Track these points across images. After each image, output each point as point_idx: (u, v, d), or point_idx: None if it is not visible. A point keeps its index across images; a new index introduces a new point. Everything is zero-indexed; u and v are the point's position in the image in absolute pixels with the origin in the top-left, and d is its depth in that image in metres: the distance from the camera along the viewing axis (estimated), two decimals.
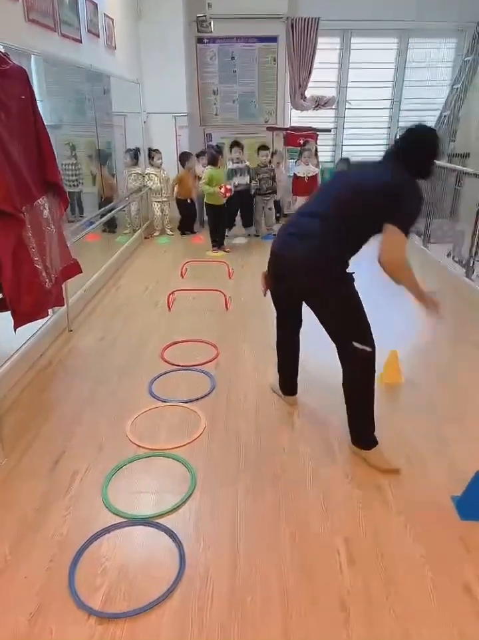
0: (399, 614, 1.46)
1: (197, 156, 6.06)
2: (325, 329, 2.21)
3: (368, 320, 2.13)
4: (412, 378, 2.76)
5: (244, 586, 1.55)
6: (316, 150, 6.63)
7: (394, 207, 1.94)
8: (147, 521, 1.78)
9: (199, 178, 5.84)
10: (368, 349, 2.09)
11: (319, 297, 2.14)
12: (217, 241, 5.39)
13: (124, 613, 1.46)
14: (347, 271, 2.13)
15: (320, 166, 6.53)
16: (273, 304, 2.48)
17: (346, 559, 1.64)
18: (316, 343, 3.16)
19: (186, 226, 6.17)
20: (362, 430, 2.13)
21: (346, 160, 6.14)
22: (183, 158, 5.96)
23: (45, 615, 1.47)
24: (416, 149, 2.04)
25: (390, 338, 3.24)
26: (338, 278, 2.10)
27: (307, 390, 2.64)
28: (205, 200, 5.35)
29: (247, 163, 5.84)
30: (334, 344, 2.20)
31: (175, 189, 5.91)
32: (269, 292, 2.45)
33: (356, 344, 2.08)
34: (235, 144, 5.80)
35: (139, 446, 2.19)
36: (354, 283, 2.14)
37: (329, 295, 2.10)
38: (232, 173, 5.74)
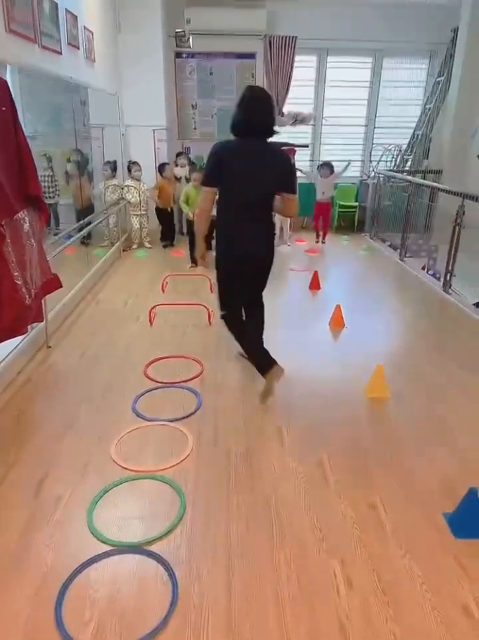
0: (400, 637, 1.44)
1: (177, 155, 6.18)
2: (257, 292, 2.91)
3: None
4: (398, 392, 2.77)
5: (241, 614, 1.49)
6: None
7: (293, 179, 2.64)
8: (136, 549, 1.71)
9: (178, 179, 5.87)
10: None
11: (268, 268, 2.80)
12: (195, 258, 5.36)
13: None
14: None
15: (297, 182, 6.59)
16: (228, 298, 2.80)
17: (344, 582, 1.60)
18: (304, 360, 3.17)
19: (167, 237, 6.14)
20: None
21: (329, 165, 6.24)
22: (162, 168, 5.95)
23: None
24: (272, 125, 2.55)
25: (374, 353, 3.27)
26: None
27: (294, 408, 2.62)
28: (186, 216, 5.35)
29: None
30: (251, 308, 2.92)
31: (155, 198, 5.88)
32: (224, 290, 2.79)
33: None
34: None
35: (125, 468, 2.11)
36: None
37: (271, 264, 2.79)
38: None
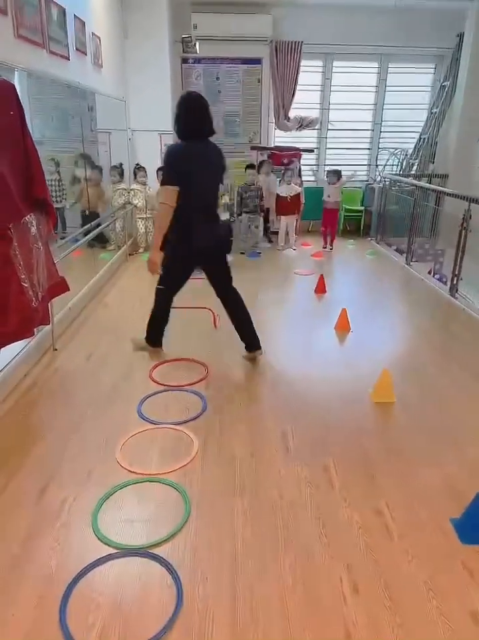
0: None
1: None
2: (228, 281, 3.17)
3: None
4: (404, 397, 2.76)
5: (246, 620, 1.48)
6: (299, 170, 6.71)
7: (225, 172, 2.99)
8: (141, 552, 1.70)
9: None
10: None
11: (226, 257, 3.13)
12: None
13: None
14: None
15: (304, 186, 6.61)
16: (175, 285, 3.09)
17: (350, 588, 1.59)
18: (309, 364, 3.16)
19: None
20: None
21: (337, 172, 6.24)
22: None
23: None
24: (212, 127, 2.81)
25: (379, 357, 3.26)
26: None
27: (299, 412, 2.61)
28: None
29: (226, 201, 5.86)
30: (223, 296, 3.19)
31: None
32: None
33: None
34: None
35: (130, 471, 2.11)
36: None
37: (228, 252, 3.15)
38: None
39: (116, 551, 1.71)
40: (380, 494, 2.01)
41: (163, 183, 2.76)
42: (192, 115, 2.74)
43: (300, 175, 6.70)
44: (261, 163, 6.43)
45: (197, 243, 2.82)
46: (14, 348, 2.81)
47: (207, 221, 2.86)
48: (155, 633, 1.43)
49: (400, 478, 2.12)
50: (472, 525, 1.79)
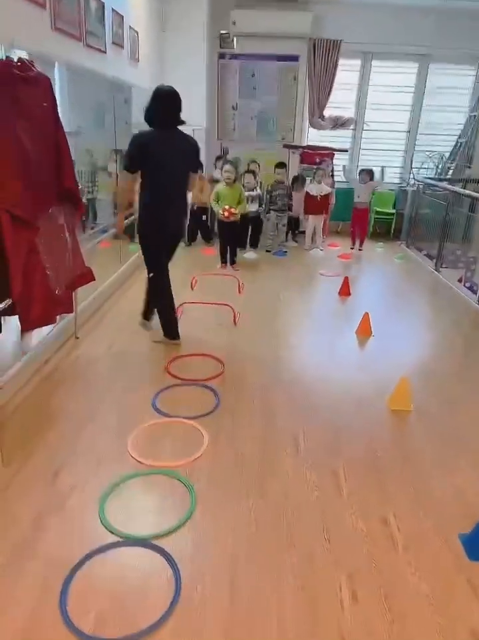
0: None
1: (217, 158, 6.19)
2: (169, 260, 3.33)
3: None
4: (422, 406, 2.70)
5: (241, 619, 1.49)
6: (332, 170, 6.63)
7: (198, 159, 3.22)
8: (143, 543, 1.73)
9: (215, 181, 5.89)
10: None
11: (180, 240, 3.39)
12: (225, 258, 5.32)
13: (114, 639, 1.41)
14: None
15: (336, 186, 6.55)
16: (157, 261, 3.26)
17: (349, 596, 1.57)
18: (327, 367, 3.13)
19: (190, 236, 6.19)
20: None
21: (369, 171, 6.15)
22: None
23: (34, 636, 1.41)
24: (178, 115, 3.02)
25: (400, 364, 3.20)
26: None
27: (312, 414, 2.59)
28: (217, 216, 5.20)
29: (259, 192, 5.85)
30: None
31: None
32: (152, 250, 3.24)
33: None
34: (248, 171, 5.83)
35: (139, 462, 2.14)
36: None
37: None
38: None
39: (119, 539, 1.74)
40: (388, 503, 1.98)
41: (125, 168, 3.03)
42: (161, 106, 2.96)
43: (333, 176, 6.62)
44: (296, 177, 6.35)
45: (164, 226, 3.11)
46: (38, 334, 2.88)
47: (172, 204, 3.10)
48: (150, 624, 1.45)
49: (411, 488, 2.08)
50: None
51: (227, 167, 4.99)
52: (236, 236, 5.32)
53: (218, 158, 6.42)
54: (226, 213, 4.88)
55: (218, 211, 4.98)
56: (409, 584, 1.63)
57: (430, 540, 1.81)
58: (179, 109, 3.00)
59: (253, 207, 5.74)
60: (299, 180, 6.29)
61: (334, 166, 6.77)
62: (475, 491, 2.07)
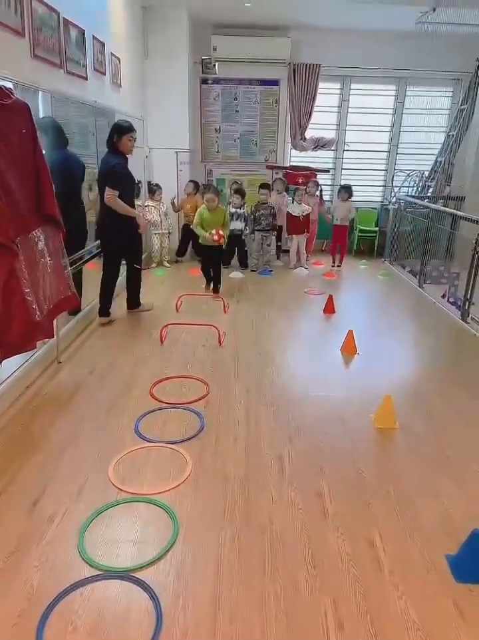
0: None
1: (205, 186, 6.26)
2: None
3: None
4: (407, 424, 2.70)
5: None
6: (321, 190, 6.71)
7: (109, 176, 3.82)
8: (123, 575, 1.68)
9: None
10: None
11: None
12: (209, 281, 5.18)
13: None
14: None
15: (326, 205, 6.66)
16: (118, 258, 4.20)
17: (334, 624, 1.54)
18: (312, 386, 3.12)
19: (180, 251, 6.35)
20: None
21: (347, 188, 6.27)
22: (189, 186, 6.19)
23: None
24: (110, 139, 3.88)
25: (385, 382, 3.20)
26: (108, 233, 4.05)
27: (297, 435, 2.57)
28: (203, 240, 4.93)
29: (244, 210, 5.93)
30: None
31: (182, 213, 6.14)
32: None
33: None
34: (237, 191, 5.92)
35: (121, 489, 2.10)
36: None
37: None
38: (230, 216, 5.84)
39: (99, 572, 1.69)
40: (373, 524, 1.96)
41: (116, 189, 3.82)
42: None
43: (321, 196, 6.69)
44: (274, 181, 6.48)
45: (127, 229, 4.00)
46: (19, 359, 2.84)
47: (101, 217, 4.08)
48: None
49: (397, 508, 2.06)
50: (467, 563, 1.73)
51: (208, 195, 4.82)
52: (219, 258, 5.10)
53: (206, 187, 6.38)
54: (216, 237, 4.70)
55: (202, 235, 4.82)
56: (396, 609, 1.60)
57: (416, 562, 1.79)
58: (109, 140, 3.90)
59: (237, 225, 5.80)
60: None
61: (322, 187, 6.85)
62: (461, 511, 2.05)
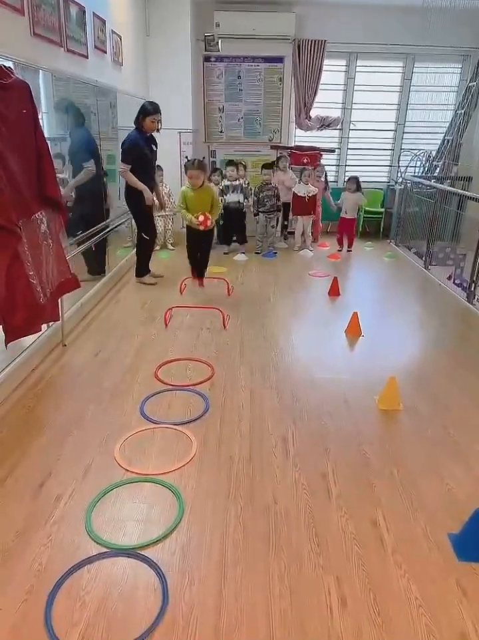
0: None
1: (213, 172, 6.12)
2: None
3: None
4: (411, 406, 2.70)
5: (229, 627, 1.47)
6: (326, 175, 6.62)
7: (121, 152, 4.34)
8: (130, 553, 1.71)
9: None
10: None
11: None
12: (195, 267, 4.50)
13: None
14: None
15: (331, 187, 6.59)
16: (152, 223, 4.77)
17: (338, 600, 1.56)
18: (316, 368, 3.12)
19: None
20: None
21: (356, 179, 6.18)
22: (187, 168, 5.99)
23: None
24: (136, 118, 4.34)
25: (390, 364, 3.19)
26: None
27: (302, 416, 2.58)
28: (189, 222, 4.23)
29: (242, 182, 5.83)
30: None
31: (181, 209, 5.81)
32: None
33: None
34: (230, 163, 5.86)
35: (127, 470, 2.12)
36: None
37: None
38: (225, 189, 5.77)
39: (106, 550, 1.72)
40: (377, 504, 1.97)
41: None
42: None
43: (326, 180, 6.60)
44: (279, 158, 6.38)
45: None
46: (24, 342, 2.85)
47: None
48: (137, 635, 1.43)
49: (400, 488, 2.07)
50: (470, 542, 1.74)
51: (190, 171, 4.08)
52: (207, 244, 4.44)
53: (214, 171, 6.19)
54: (201, 219, 4.04)
55: (188, 218, 4.13)
56: (398, 587, 1.62)
57: (419, 541, 1.80)
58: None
59: (233, 198, 5.71)
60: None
61: (327, 169, 6.76)
62: (464, 491, 2.06)
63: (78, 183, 3.91)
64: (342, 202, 6.26)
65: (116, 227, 4.76)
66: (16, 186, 2.40)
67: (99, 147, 4.27)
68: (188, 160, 4.82)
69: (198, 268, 4.48)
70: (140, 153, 4.29)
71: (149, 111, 4.26)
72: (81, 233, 3.83)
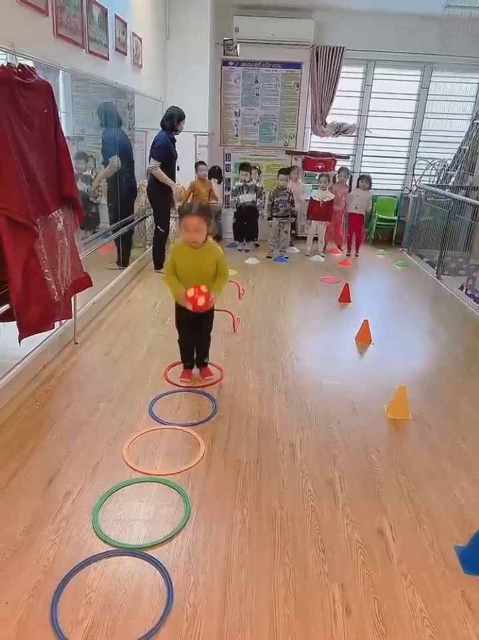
0: None
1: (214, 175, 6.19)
2: None
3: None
4: (420, 416, 2.69)
5: (233, 630, 1.47)
6: (351, 178, 6.64)
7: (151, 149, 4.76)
8: (136, 552, 1.72)
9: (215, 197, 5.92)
10: None
11: None
12: (190, 361, 2.99)
13: None
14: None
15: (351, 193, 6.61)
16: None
17: (342, 608, 1.56)
18: (325, 375, 3.11)
19: None
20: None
21: (367, 178, 6.21)
22: (196, 167, 6.08)
23: None
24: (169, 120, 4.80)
25: (400, 373, 3.18)
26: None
27: (310, 422, 2.58)
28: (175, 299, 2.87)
29: (256, 183, 5.90)
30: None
31: (184, 196, 5.78)
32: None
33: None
34: (242, 166, 6.00)
35: (134, 469, 2.13)
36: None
37: None
38: (238, 190, 5.86)
39: (112, 548, 1.73)
40: (384, 513, 1.97)
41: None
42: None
43: (350, 183, 6.63)
44: (291, 168, 6.41)
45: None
46: (37, 339, 2.88)
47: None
48: (141, 635, 1.43)
49: (407, 498, 2.07)
50: (477, 556, 1.73)
51: (187, 220, 2.57)
52: (208, 324, 2.91)
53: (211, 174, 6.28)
54: (192, 295, 2.54)
55: (176, 293, 2.68)
56: (403, 597, 1.61)
57: (425, 552, 1.80)
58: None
59: (247, 198, 5.81)
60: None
61: (336, 173, 6.76)
62: (472, 503, 2.05)
63: (105, 177, 4.31)
64: (352, 197, 6.29)
65: (140, 220, 5.26)
66: (36, 184, 2.43)
67: (128, 144, 4.80)
68: (183, 205, 3.59)
69: (195, 357, 2.95)
70: (169, 152, 4.76)
71: (183, 116, 4.81)
72: (116, 223, 4.44)
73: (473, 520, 1.92)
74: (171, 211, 5.32)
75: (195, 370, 3.01)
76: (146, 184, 5.05)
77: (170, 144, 4.77)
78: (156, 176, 4.70)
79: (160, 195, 4.83)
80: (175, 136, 4.89)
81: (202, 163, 6.03)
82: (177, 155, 4.95)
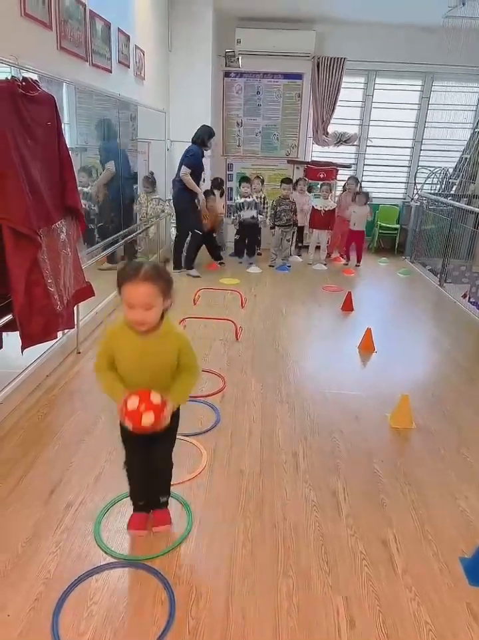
0: None
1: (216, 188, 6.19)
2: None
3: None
4: (424, 425, 2.67)
5: None
6: (360, 186, 6.63)
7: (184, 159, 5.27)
8: (138, 564, 1.70)
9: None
10: None
11: None
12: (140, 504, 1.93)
13: None
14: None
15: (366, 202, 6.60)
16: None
17: (346, 621, 1.54)
18: (328, 384, 3.10)
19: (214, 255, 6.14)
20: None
21: (365, 193, 6.22)
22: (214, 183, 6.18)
23: None
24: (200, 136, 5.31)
25: (403, 381, 3.17)
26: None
27: (313, 432, 2.57)
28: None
29: (255, 199, 5.91)
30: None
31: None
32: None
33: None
34: (243, 179, 5.99)
35: None
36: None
37: None
38: (239, 206, 5.84)
39: (114, 560, 1.72)
40: (388, 524, 1.95)
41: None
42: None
43: (359, 192, 6.58)
44: (298, 180, 6.43)
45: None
46: (40, 348, 2.88)
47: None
48: None
49: (412, 509, 2.05)
50: None
51: (129, 288, 1.58)
52: (165, 450, 1.89)
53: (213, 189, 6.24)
54: (131, 408, 1.60)
55: (115, 399, 1.79)
56: (408, 609, 1.59)
57: (430, 563, 1.78)
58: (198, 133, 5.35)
59: (248, 214, 5.84)
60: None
61: (337, 181, 6.79)
62: (477, 513, 2.03)
63: (103, 182, 4.47)
64: (350, 215, 6.29)
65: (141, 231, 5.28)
66: (39, 195, 2.45)
67: (125, 156, 4.82)
68: (124, 264, 1.91)
69: (149, 499, 1.93)
70: (199, 163, 5.29)
71: (213, 133, 5.42)
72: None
73: (478, 531, 1.90)
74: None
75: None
76: (172, 192, 5.45)
77: (201, 157, 5.30)
78: (185, 182, 5.16)
79: (190, 201, 5.30)
80: (206, 151, 5.43)
81: (218, 179, 6.29)
82: (204, 168, 5.46)
